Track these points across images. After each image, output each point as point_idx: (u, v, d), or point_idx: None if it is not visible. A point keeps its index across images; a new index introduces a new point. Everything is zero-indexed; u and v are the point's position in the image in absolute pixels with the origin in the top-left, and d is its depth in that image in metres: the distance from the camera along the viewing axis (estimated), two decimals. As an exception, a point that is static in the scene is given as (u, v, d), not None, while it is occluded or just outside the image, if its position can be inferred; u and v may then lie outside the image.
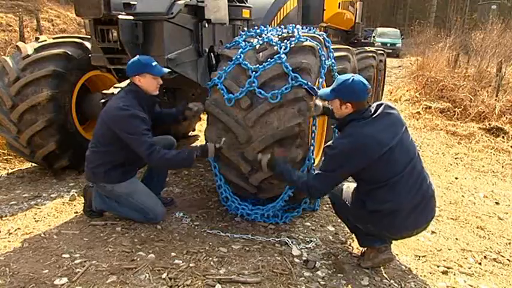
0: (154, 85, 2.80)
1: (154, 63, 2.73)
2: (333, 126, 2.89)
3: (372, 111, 2.28)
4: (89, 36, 3.44)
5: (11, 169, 4.11)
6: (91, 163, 2.84)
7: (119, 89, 3.04)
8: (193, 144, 5.26)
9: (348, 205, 2.47)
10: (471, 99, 7.64)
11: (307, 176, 2.45)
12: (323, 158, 2.33)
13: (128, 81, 2.93)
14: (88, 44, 3.80)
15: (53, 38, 3.97)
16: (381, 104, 2.33)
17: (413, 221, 2.28)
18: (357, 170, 2.25)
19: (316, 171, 2.43)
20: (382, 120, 2.25)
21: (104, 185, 2.85)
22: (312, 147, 2.95)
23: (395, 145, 2.20)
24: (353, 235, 2.88)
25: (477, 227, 3.22)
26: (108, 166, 2.79)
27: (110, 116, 2.69)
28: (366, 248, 2.56)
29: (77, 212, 3.12)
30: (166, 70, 2.81)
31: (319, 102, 2.76)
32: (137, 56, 2.74)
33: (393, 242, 2.71)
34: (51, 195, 3.45)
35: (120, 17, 2.91)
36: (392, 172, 2.20)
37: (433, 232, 3.07)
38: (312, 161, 2.96)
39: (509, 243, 3.01)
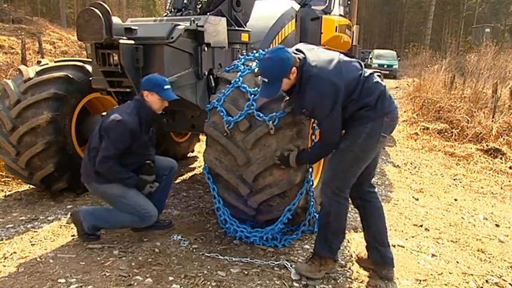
0: (158, 105, 2.88)
1: (166, 87, 2.83)
2: (315, 125, 2.92)
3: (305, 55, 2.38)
4: (90, 59, 3.50)
5: (9, 191, 4.09)
6: (83, 163, 2.92)
7: None
8: (192, 166, 5.26)
9: (334, 181, 2.50)
10: (468, 120, 7.69)
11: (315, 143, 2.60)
12: (312, 115, 2.51)
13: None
14: (89, 67, 3.85)
15: (55, 61, 4.03)
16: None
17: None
18: (344, 98, 2.34)
19: (320, 127, 2.55)
20: (319, 54, 2.42)
21: (97, 186, 2.87)
22: (310, 169, 2.95)
23: (342, 61, 2.40)
24: (353, 259, 2.87)
25: (478, 250, 3.19)
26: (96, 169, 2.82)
27: (107, 122, 2.78)
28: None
29: (74, 235, 3.09)
30: (174, 96, 2.88)
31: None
32: (155, 75, 2.87)
33: (394, 265, 2.68)
34: (48, 218, 3.43)
35: (121, 41, 2.96)
36: (355, 81, 2.37)
37: (433, 255, 3.04)
38: (311, 183, 2.96)
39: (511, 267, 2.97)
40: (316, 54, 2.42)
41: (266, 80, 2.34)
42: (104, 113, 3.70)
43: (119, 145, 2.75)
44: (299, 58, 2.36)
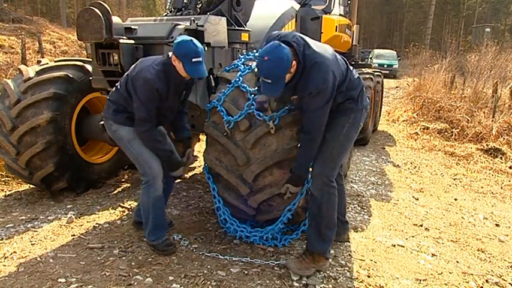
0: (184, 74, 2.63)
1: (195, 60, 2.53)
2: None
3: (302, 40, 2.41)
4: (90, 59, 3.49)
5: (9, 191, 4.09)
6: (109, 97, 2.83)
7: None
8: (192, 166, 5.26)
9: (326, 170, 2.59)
10: (468, 120, 7.69)
11: (301, 141, 2.61)
12: (307, 103, 2.46)
13: None
14: (89, 67, 3.85)
15: (55, 61, 4.03)
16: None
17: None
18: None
19: (307, 119, 2.53)
20: (317, 44, 2.47)
21: (111, 123, 2.78)
22: (310, 169, 2.95)
23: (334, 53, 2.53)
24: (352, 259, 2.87)
25: (478, 250, 3.19)
26: (117, 107, 2.75)
27: (134, 74, 2.65)
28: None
29: (74, 235, 3.10)
30: (201, 73, 2.61)
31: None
32: (189, 40, 2.55)
33: (394, 265, 2.69)
34: (49, 218, 3.43)
35: (121, 41, 2.97)
36: (344, 73, 2.52)
37: (433, 255, 3.04)
38: (311, 183, 2.96)
39: (511, 267, 2.97)
40: (314, 43, 2.45)
41: (269, 81, 2.30)
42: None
43: (149, 104, 2.61)
44: (297, 46, 2.33)
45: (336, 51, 2.64)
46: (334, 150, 2.58)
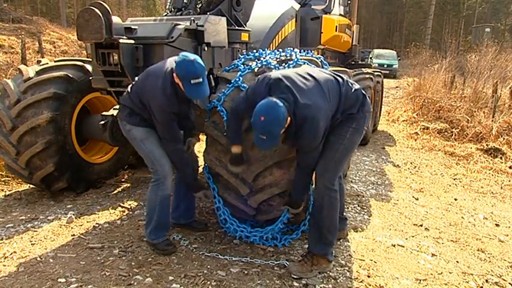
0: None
1: (194, 81, 2.48)
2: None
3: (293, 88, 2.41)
4: (90, 59, 3.49)
5: (9, 191, 4.09)
6: (121, 101, 2.84)
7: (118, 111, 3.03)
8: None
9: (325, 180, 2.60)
10: (468, 120, 7.69)
11: (296, 171, 2.68)
12: (300, 148, 2.58)
13: None
14: (89, 67, 3.85)
15: (55, 61, 4.03)
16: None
17: None
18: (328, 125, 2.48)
19: (301, 157, 2.61)
20: (304, 87, 2.43)
21: (125, 123, 2.79)
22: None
23: (323, 82, 2.50)
24: (352, 259, 2.87)
25: (478, 250, 3.19)
26: (131, 111, 2.75)
27: (147, 94, 2.63)
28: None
29: (74, 235, 3.09)
30: (200, 96, 2.63)
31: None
32: (190, 61, 2.49)
33: (394, 265, 2.68)
34: (48, 218, 3.43)
35: (121, 41, 2.96)
36: (338, 100, 2.52)
37: (433, 255, 3.04)
38: (311, 183, 2.96)
39: (511, 267, 2.97)
40: (303, 90, 2.39)
41: (264, 137, 2.32)
42: (105, 113, 3.72)
43: (169, 126, 2.67)
44: (288, 105, 2.33)
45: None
46: (337, 153, 2.58)
